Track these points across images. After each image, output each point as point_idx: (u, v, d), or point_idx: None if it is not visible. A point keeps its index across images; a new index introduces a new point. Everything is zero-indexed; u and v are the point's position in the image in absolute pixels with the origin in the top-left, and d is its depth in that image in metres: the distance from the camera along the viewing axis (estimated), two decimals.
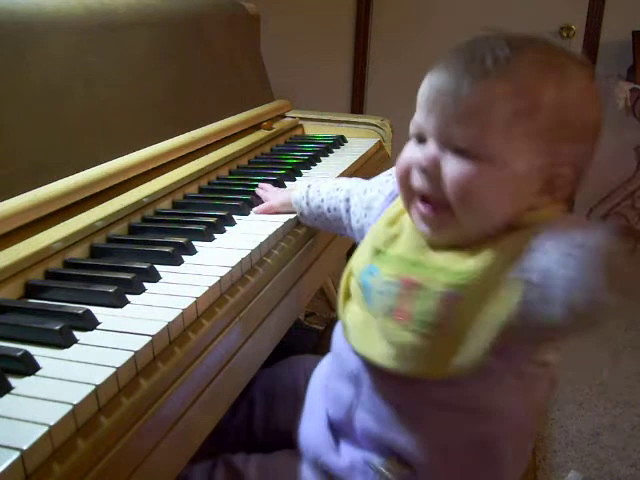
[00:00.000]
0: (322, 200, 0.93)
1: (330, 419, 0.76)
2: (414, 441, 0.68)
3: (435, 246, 0.66)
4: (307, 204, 0.96)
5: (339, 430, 0.75)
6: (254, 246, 0.85)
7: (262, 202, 1.04)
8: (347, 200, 0.89)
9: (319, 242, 1.04)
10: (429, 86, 0.64)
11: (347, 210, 0.89)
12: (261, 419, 0.89)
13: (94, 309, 0.66)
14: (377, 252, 0.70)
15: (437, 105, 0.62)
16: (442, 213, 0.63)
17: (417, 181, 0.64)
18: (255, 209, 1.01)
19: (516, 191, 0.62)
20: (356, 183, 0.91)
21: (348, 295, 0.74)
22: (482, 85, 0.60)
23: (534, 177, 0.62)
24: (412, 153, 0.65)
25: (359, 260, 0.73)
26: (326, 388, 0.78)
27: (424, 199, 0.65)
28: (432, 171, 0.63)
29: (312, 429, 0.78)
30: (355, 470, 0.72)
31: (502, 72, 0.60)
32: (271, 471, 0.76)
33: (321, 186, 0.96)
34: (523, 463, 0.75)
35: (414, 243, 0.68)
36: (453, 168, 0.61)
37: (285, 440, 0.80)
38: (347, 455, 0.73)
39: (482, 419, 0.68)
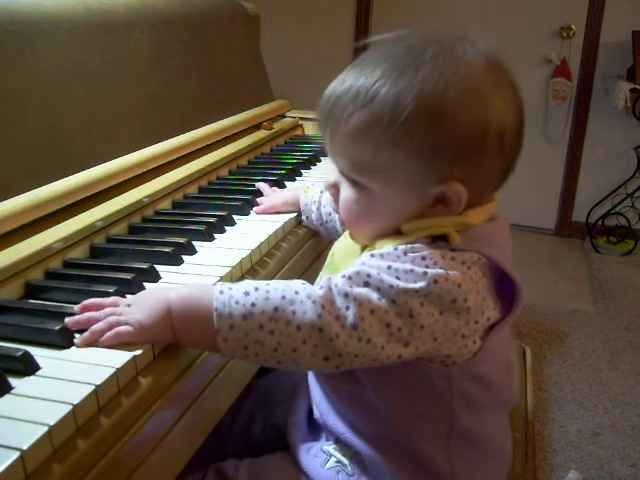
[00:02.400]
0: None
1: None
2: (350, 427, 0.70)
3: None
4: (317, 209, 0.97)
5: (310, 424, 0.78)
6: (254, 246, 0.85)
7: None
8: None
9: (319, 242, 1.04)
10: (322, 102, 0.69)
11: None
12: (260, 424, 0.88)
13: None
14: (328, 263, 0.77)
15: (324, 129, 0.68)
16: None
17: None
18: (256, 209, 1.01)
19: (398, 211, 0.66)
20: None
21: None
22: (350, 119, 0.63)
23: (416, 198, 0.64)
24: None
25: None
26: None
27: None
28: (334, 194, 0.71)
29: (294, 423, 0.79)
30: (314, 458, 0.73)
31: (366, 104, 0.62)
32: (262, 474, 0.76)
33: None
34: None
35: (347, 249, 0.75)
36: (343, 193, 0.69)
37: (281, 442, 0.80)
38: (312, 445, 0.75)
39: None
